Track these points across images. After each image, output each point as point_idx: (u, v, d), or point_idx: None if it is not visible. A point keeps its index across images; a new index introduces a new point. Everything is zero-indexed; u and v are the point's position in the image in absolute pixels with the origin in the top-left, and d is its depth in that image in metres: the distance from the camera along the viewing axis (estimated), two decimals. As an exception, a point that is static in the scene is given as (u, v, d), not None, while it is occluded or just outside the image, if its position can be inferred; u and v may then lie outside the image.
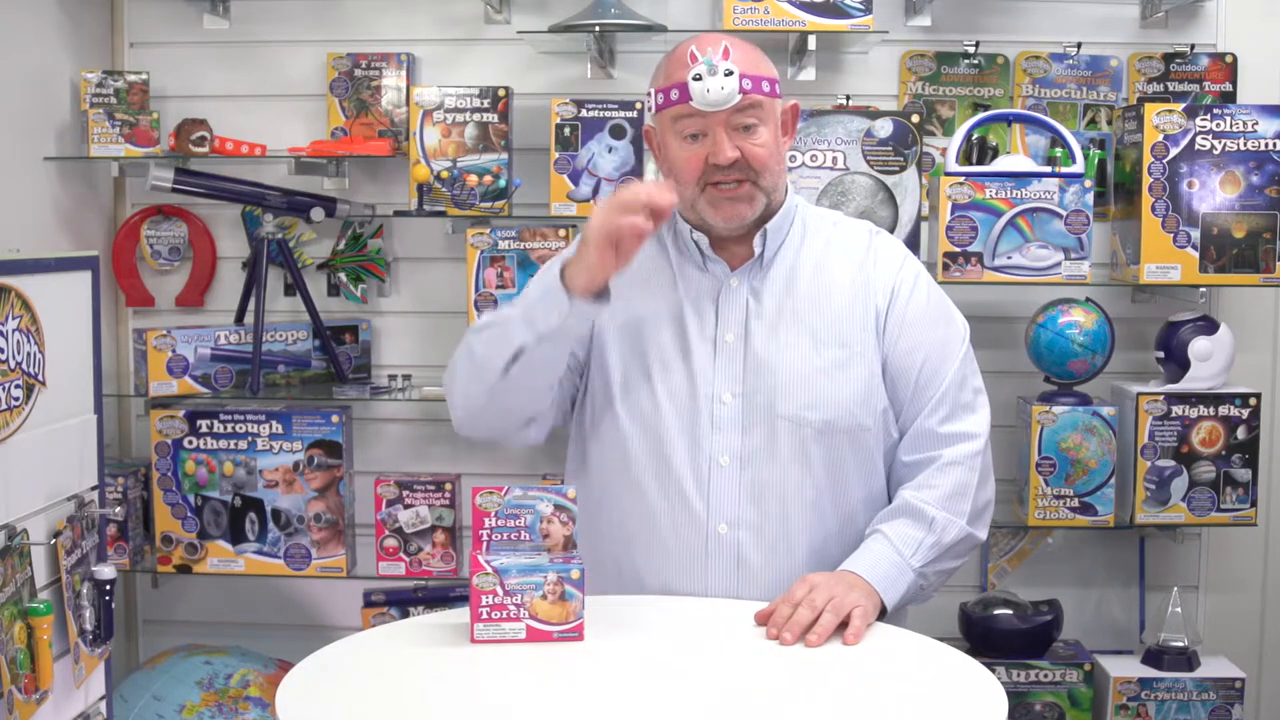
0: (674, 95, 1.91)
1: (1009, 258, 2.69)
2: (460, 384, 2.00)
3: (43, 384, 1.94)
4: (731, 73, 1.87)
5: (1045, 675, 2.81)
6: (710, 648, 1.73)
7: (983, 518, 2.02)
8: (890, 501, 2.01)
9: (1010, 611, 2.83)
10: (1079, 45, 2.91)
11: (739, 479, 1.95)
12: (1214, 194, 2.69)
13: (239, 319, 2.90)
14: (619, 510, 2.00)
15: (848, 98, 2.89)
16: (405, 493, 2.81)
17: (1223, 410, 2.74)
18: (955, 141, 2.73)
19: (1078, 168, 2.69)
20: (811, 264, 2.04)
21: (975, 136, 2.78)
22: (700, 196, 1.97)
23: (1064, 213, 2.67)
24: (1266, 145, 2.69)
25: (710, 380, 1.98)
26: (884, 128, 2.72)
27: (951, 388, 2.00)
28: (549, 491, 1.78)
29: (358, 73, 2.92)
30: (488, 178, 2.78)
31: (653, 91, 1.98)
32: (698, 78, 1.88)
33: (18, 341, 1.87)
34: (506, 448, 2.23)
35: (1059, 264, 2.68)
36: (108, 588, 2.05)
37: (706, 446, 1.96)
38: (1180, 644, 2.82)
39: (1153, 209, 2.69)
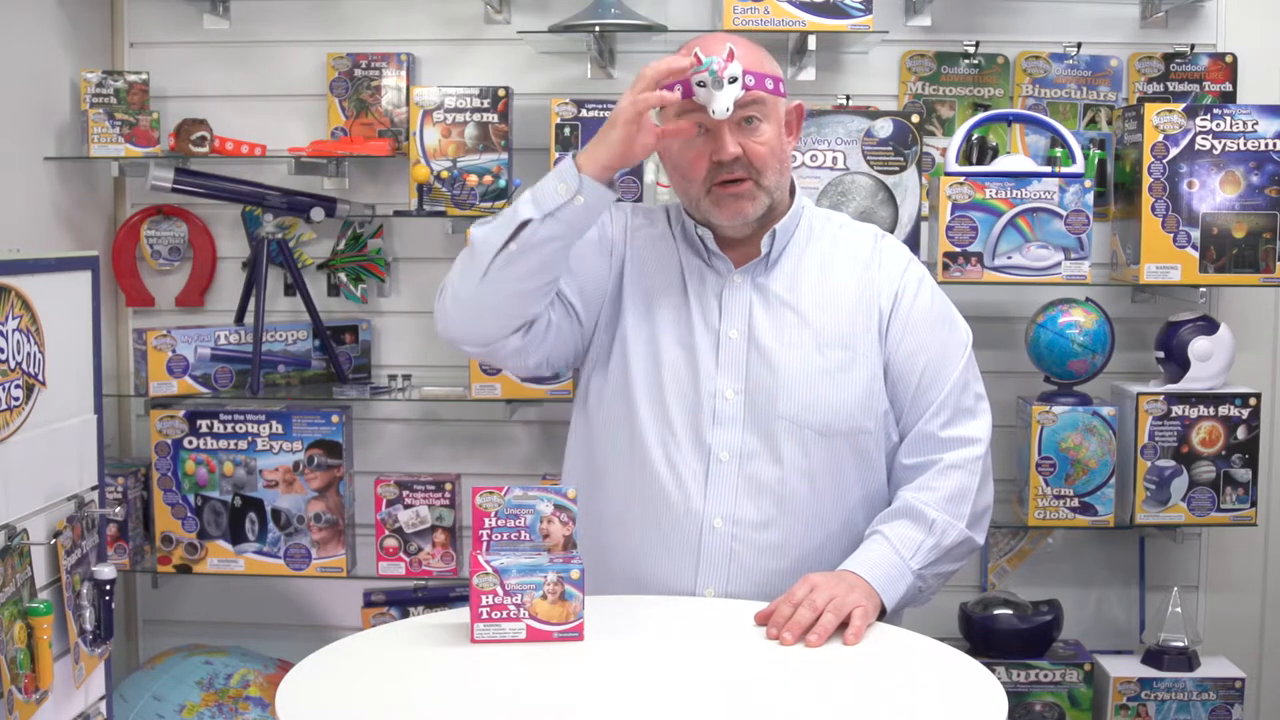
0: (677, 92, 1.91)
1: (1009, 258, 2.69)
2: (454, 275, 1.94)
3: (43, 384, 1.94)
4: (735, 79, 1.88)
5: (1045, 675, 2.81)
6: (710, 648, 1.73)
7: (981, 522, 2.02)
8: (889, 503, 2.01)
9: (1010, 611, 2.83)
10: (1079, 45, 2.91)
11: (737, 475, 1.96)
12: (1214, 194, 2.69)
13: (239, 319, 2.90)
14: (619, 495, 2.00)
15: (848, 98, 2.89)
16: (405, 493, 2.81)
17: (1223, 410, 2.74)
18: (955, 141, 2.73)
19: (1078, 168, 2.69)
20: (817, 265, 2.04)
21: (975, 136, 2.78)
22: (705, 197, 1.98)
23: (1064, 213, 2.67)
24: (1266, 145, 2.69)
25: (713, 375, 1.98)
26: (884, 128, 2.72)
27: (953, 392, 2.00)
28: (549, 491, 1.78)
29: (358, 73, 2.92)
30: (488, 178, 2.78)
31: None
32: (701, 84, 1.88)
33: (18, 341, 1.87)
34: (491, 361, 2.11)
35: (1059, 264, 2.68)
36: (108, 588, 2.05)
37: (707, 440, 1.96)
38: (1180, 644, 2.82)
39: (1153, 209, 2.69)
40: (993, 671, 1.64)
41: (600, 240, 2.07)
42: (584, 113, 2.76)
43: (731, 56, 1.87)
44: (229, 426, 2.80)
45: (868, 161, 2.71)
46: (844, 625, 1.75)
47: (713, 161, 1.95)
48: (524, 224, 1.88)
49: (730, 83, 1.87)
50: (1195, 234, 2.69)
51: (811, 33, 2.69)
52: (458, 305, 1.95)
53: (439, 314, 1.98)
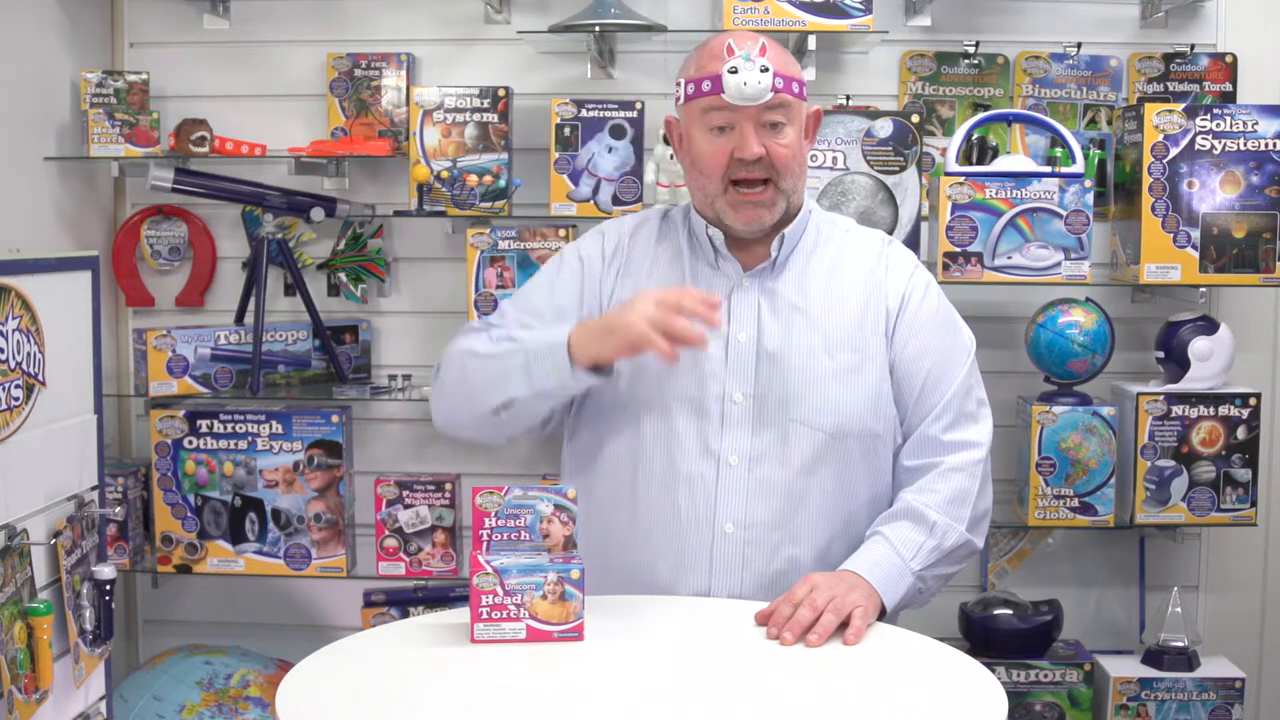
0: (705, 86, 1.91)
1: (1009, 258, 2.69)
2: (448, 400, 2.03)
3: (43, 384, 1.94)
4: (767, 69, 1.88)
5: (1045, 675, 2.81)
6: (710, 648, 1.73)
7: (981, 525, 2.02)
8: (892, 504, 2.01)
9: (1010, 611, 2.83)
10: (1079, 45, 2.91)
11: (747, 479, 1.95)
12: (1214, 194, 2.69)
13: (239, 319, 2.90)
14: (627, 506, 1.99)
15: (848, 98, 2.89)
16: (405, 493, 2.81)
17: (1223, 410, 2.74)
18: (955, 141, 2.73)
19: (1078, 168, 2.69)
20: (824, 269, 2.04)
21: (975, 136, 2.78)
22: (722, 196, 1.97)
23: (1064, 213, 2.67)
24: (1266, 145, 2.69)
25: (722, 379, 1.97)
26: (884, 128, 2.72)
27: (956, 396, 2.00)
28: (549, 491, 1.78)
29: (358, 73, 2.92)
30: (488, 178, 2.78)
31: (682, 81, 1.98)
32: (733, 70, 1.88)
33: (18, 341, 1.87)
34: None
35: (1059, 264, 2.68)
36: (108, 588, 2.05)
37: (715, 445, 1.96)
38: (1180, 644, 2.82)
39: (1153, 209, 2.69)
40: (993, 671, 1.64)
41: (584, 276, 2.07)
42: (584, 113, 2.76)
43: (764, 51, 1.88)
44: (229, 426, 2.80)
45: (868, 161, 2.71)
46: (844, 625, 1.75)
47: (734, 158, 1.94)
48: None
49: (762, 71, 1.87)
50: (1195, 234, 2.69)
51: (811, 33, 2.69)
52: (454, 429, 2.06)
53: (436, 420, 2.07)
